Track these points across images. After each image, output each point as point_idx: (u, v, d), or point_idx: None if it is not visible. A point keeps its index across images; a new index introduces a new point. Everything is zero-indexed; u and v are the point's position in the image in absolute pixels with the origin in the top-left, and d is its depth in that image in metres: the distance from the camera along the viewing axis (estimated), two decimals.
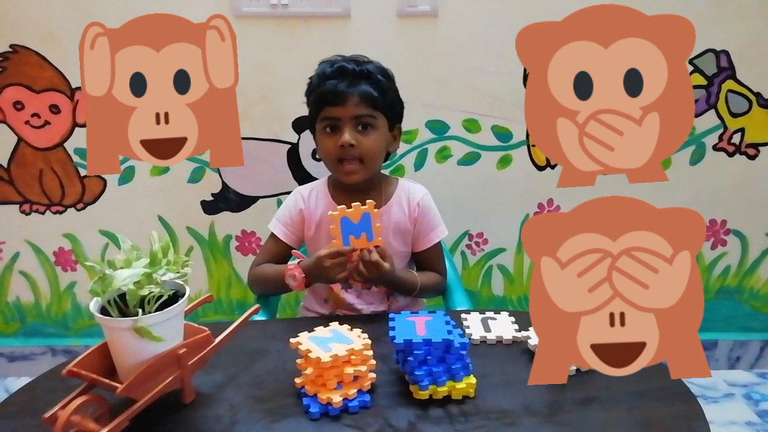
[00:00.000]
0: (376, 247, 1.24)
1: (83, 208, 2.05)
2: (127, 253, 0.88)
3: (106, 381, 0.86)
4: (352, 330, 1.03)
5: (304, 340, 0.99)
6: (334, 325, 1.05)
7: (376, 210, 1.22)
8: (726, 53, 1.91)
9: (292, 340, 0.99)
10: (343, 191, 1.43)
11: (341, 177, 1.38)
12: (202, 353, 0.97)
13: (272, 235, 1.46)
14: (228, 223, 2.08)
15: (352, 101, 1.31)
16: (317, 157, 1.97)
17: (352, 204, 1.22)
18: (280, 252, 1.45)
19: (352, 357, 0.96)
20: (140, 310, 0.86)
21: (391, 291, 1.43)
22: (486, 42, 1.87)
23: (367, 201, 1.22)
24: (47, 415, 0.84)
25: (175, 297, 0.91)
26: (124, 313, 0.87)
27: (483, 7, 1.84)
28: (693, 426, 0.90)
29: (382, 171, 1.50)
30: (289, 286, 1.33)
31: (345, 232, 1.23)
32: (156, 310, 0.87)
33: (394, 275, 1.31)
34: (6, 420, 0.94)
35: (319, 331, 1.02)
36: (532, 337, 1.11)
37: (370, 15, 1.84)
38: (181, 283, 0.94)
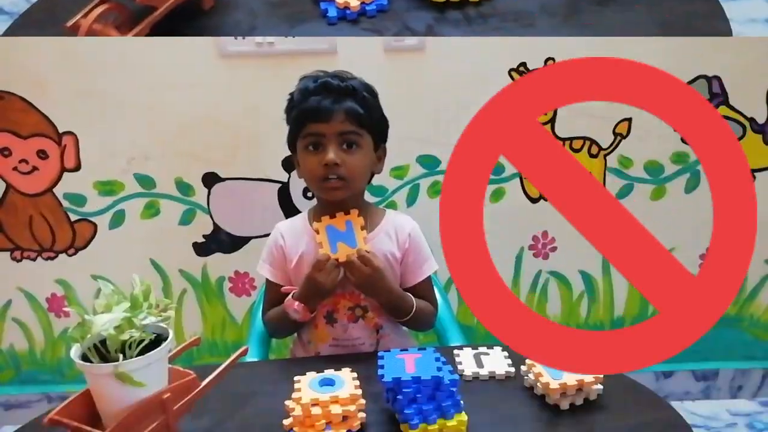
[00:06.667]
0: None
1: (75, 254, 2.03)
2: (107, 298, 0.87)
3: (89, 429, 0.85)
4: (341, 369, 1.01)
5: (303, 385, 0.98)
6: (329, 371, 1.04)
7: (359, 217, 1.26)
8: (718, 79, 1.91)
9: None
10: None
11: (324, 195, 1.32)
12: (188, 397, 0.94)
13: (267, 279, 1.43)
14: (221, 264, 2.06)
15: (338, 117, 1.26)
16: (309, 194, 1.97)
17: (336, 213, 1.25)
18: (278, 293, 1.39)
19: (340, 396, 0.94)
20: (121, 355, 0.84)
21: (381, 324, 1.38)
22: (474, 75, 1.88)
23: (351, 210, 1.26)
24: None
25: (158, 341, 0.90)
26: (105, 359, 0.86)
27: (469, 41, 1.85)
28: None
29: (370, 202, 1.48)
30: (295, 320, 1.30)
31: (332, 239, 1.25)
32: (138, 355, 0.86)
33: (389, 284, 1.29)
34: None
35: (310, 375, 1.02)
36: (528, 376, 1.08)
37: (356, 50, 1.84)
38: (164, 326, 0.92)
